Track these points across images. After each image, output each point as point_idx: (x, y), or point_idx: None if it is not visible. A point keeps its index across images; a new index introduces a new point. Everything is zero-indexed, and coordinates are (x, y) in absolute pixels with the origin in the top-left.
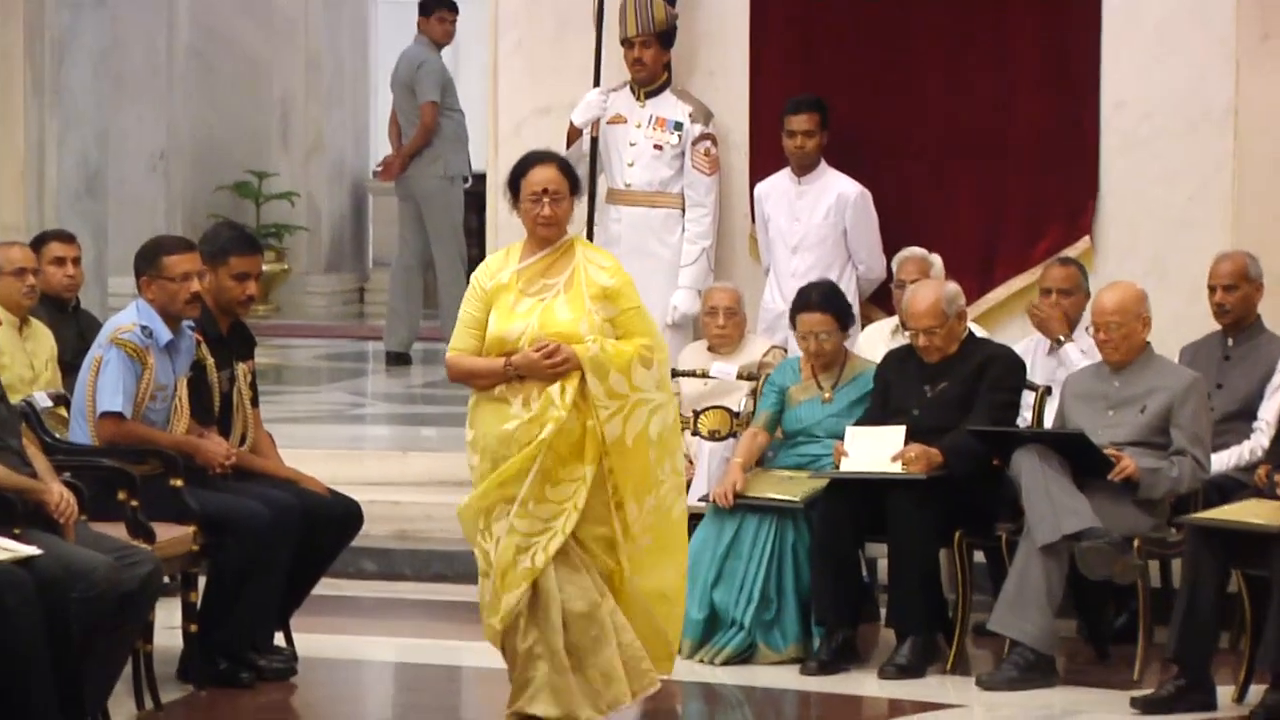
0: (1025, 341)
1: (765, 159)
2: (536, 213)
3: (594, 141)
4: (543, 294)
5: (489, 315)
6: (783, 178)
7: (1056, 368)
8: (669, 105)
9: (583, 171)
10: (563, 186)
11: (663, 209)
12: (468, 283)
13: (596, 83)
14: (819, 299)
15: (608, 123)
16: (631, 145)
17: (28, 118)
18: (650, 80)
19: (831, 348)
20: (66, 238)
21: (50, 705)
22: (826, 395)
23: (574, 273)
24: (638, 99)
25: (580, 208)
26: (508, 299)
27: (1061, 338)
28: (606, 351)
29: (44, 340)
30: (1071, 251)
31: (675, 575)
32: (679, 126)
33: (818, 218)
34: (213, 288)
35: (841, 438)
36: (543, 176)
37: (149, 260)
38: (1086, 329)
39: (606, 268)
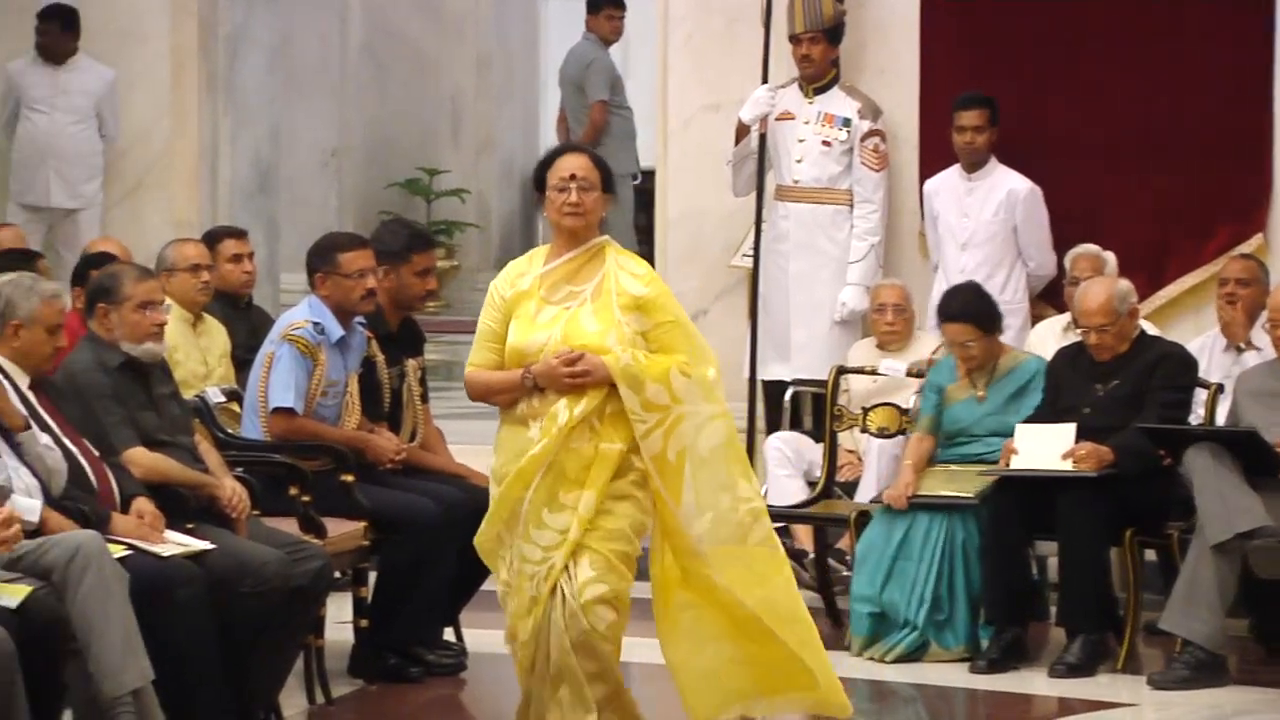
0: (1201, 338)
1: (935, 155)
2: (562, 200)
3: (762, 138)
4: (568, 302)
5: (509, 327)
6: (952, 174)
7: (1232, 364)
8: (837, 101)
9: (751, 168)
10: (592, 175)
11: (831, 205)
12: None
13: (765, 79)
14: (959, 308)
15: (776, 119)
16: (800, 142)
17: (201, 115)
18: (818, 77)
19: (979, 352)
20: (240, 234)
21: (217, 699)
22: (980, 394)
23: (603, 279)
24: (806, 95)
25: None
26: (529, 307)
27: (1242, 345)
28: (640, 362)
29: (218, 336)
30: (1245, 248)
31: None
32: (847, 123)
33: (987, 214)
34: (394, 285)
35: (1000, 435)
36: (571, 163)
37: (324, 256)
38: (1263, 326)
39: (640, 276)
